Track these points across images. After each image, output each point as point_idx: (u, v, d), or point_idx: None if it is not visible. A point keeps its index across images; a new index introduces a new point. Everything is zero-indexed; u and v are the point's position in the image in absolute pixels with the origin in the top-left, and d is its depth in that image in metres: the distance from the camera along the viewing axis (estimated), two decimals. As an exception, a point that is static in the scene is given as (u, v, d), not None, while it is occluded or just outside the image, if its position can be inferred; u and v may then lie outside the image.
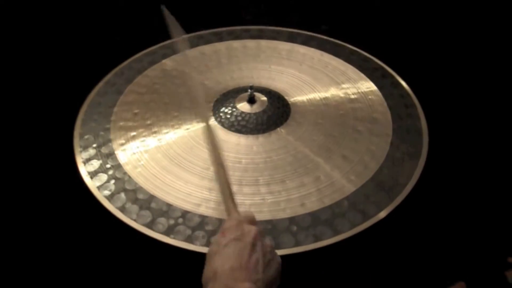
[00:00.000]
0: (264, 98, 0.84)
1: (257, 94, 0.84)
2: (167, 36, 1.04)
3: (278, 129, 0.81)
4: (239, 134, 0.80)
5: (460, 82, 0.98)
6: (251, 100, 0.83)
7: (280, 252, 0.65)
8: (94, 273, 0.67)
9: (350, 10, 1.21)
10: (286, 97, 0.87)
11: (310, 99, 0.88)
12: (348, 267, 0.68)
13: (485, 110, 0.91)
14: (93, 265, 0.68)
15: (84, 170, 0.76)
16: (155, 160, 0.77)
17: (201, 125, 0.81)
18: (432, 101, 0.89)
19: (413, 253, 0.70)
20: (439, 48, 1.08)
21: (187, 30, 1.06)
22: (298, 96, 0.88)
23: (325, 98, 0.88)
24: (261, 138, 0.80)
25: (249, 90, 0.83)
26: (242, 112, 0.82)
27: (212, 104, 0.86)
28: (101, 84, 0.93)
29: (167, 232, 0.68)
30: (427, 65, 1.02)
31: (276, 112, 0.83)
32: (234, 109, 0.83)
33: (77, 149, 0.80)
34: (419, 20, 1.17)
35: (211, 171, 0.75)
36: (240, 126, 0.81)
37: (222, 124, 0.82)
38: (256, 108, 0.83)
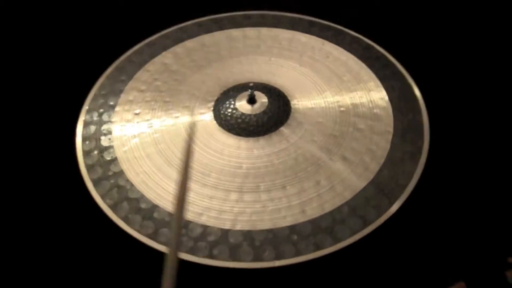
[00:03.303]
0: (265, 100, 0.84)
1: (257, 94, 0.84)
2: (166, 25, 1.04)
3: (279, 130, 0.81)
4: (239, 137, 0.80)
5: (464, 72, 0.96)
6: (251, 100, 0.83)
7: (281, 262, 0.67)
8: (97, 284, 0.68)
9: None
10: (286, 95, 0.87)
11: (310, 95, 0.87)
12: (348, 272, 0.69)
13: (490, 103, 0.90)
14: (95, 275, 0.69)
15: (87, 177, 0.77)
16: (157, 166, 0.78)
17: (203, 128, 0.82)
18: (434, 90, 0.88)
19: (413, 253, 0.70)
20: (443, 36, 1.06)
21: (188, 17, 1.05)
22: (299, 93, 0.88)
23: (326, 95, 0.88)
24: (261, 141, 0.80)
25: (249, 90, 0.83)
26: (243, 114, 0.82)
27: (212, 104, 0.85)
28: (102, 79, 0.93)
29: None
30: (430, 53, 1.01)
31: (276, 112, 0.83)
32: (234, 111, 0.83)
33: (79, 154, 0.80)
34: (423, 7, 1.14)
35: (212, 178, 0.75)
36: (241, 129, 0.81)
37: (222, 126, 0.82)
38: (256, 108, 0.83)
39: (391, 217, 0.72)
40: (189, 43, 0.99)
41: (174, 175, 0.76)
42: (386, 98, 0.87)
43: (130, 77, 0.93)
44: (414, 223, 0.73)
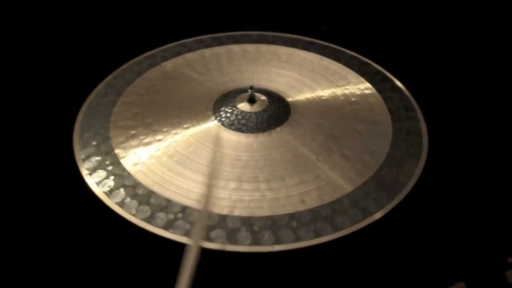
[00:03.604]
0: (264, 98, 0.84)
1: (257, 94, 0.84)
2: (166, 39, 1.06)
3: (278, 128, 0.81)
4: (239, 133, 0.80)
5: (459, 85, 0.98)
6: (251, 100, 0.83)
7: (280, 247, 0.65)
8: (94, 268, 0.66)
9: (349, 15, 1.22)
10: (286, 98, 0.87)
11: (310, 100, 0.88)
12: (347, 264, 0.68)
13: (484, 112, 0.91)
14: (92, 259, 0.67)
15: (83, 167, 0.76)
16: (155, 157, 0.77)
17: (201, 124, 0.82)
18: (431, 104, 0.89)
19: (413, 252, 0.69)
20: (437, 52, 1.08)
21: (187, 35, 1.07)
22: (298, 97, 0.88)
23: (325, 100, 0.88)
24: (261, 137, 0.80)
25: (249, 90, 0.83)
26: (242, 112, 0.82)
27: (212, 104, 0.86)
28: (101, 85, 0.93)
29: (166, 227, 0.67)
30: (427, 69, 1.02)
31: (276, 111, 0.83)
32: (234, 109, 0.83)
33: (76, 147, 0.80)
34: (418, 25, 1.18)
35: (210, 168, 0.75)
36: (240, 124, 0.81)
37: (222, 123, 0.82)
38: (256, 107, 0.83)
39: (391, 215, 0.71)
40: (189, 56, 1.01)
41: (171, 164, 0.75)
42: (385, 107, 0.88)
43: (129, 83, 0.93)
44: (414, 223, 0.72)
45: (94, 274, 0.66)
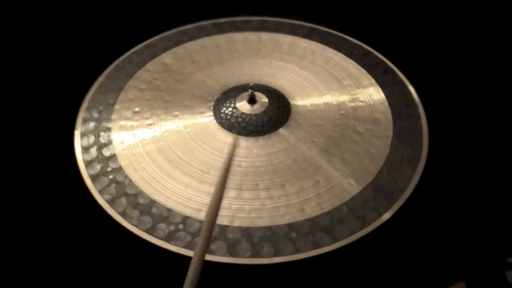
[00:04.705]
0: (265, 100, 0.84)
1: (258, 94, 0.84)
2: (166, 28, 1.05)
3: (279, 130, 0.81)
4: (239, 136, 0.80)
5: (462, 78, 0.97)
6: (252, 101, 0.83)
7: (279, 259, 0.67)
8: (94, 279, 0.68)
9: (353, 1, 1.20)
10: (286, 96, 0.87)
11: (310, 98, 0.88)
12: (347, 271, 0.69)
13: (489, 108, 0.91)
14: (93, 270, 0.69)
15: (85, 173, 0.77)
16: (156, 162, 0.77)
17: (202, 127, 0.82)
18: (433, 97, 0.89)
19: (413, 253, 0.70)
20: (441, 43, 1.07)
21: (188, 21, 1.06)
22: (299, 95, 0.88)
23: (326, 97, 0.88)
24: (261, 140, 0.80)
25: (249, 90, 0.83)
26: (243, 113, 0.82)
27: (212, 104, 0.85)
28: (101, 78, 0.93)
29: (167, 238, 0.68)
30: (429, 60, 1.01)
31: (276, 112, 0.83)
32: (234, 110, 0.82)
33: (78, 151, 0.80)
34: (422, 13, 1.16)
35: (211, 175, 0.75)
36: (241, 128, 0.81)
37: (222, 125, 0.82)
38: (256, 108, 0.82)
39: (391, 217, 0.71)
40: (189, 45, 1.00)
41: (173, 171, 0.76)
42: (386, 103, 0.88)
43: (130, 76, 0.93)
44: (414, 223, 0.73)
45: (96, 286, 0.67)
